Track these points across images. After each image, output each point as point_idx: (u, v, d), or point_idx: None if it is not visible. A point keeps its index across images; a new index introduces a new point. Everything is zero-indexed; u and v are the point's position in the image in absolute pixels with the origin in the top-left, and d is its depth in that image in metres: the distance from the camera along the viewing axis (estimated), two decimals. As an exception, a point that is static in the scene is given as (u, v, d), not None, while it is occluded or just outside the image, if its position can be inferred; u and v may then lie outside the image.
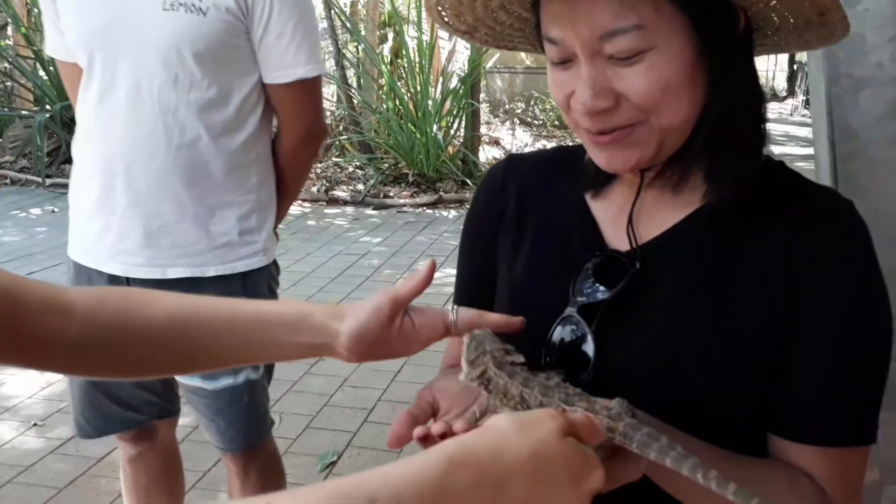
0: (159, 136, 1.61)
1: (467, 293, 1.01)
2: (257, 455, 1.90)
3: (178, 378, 1.80)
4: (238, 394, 1.77)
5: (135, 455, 1.99)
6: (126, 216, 1.66)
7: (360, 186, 8.21)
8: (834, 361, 0.77)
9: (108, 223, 1.67)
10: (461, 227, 1.03)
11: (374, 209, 7.66)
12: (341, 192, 8.07)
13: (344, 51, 9.85)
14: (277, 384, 3.58)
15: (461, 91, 8.55)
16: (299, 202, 7.85)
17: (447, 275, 1.36)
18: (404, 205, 7.77)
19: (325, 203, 7.88)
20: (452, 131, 8.85)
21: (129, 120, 1.61)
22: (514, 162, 1.00)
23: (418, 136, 8.28)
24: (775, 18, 0.77)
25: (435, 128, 8.41)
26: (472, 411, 0.73)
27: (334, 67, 9.51)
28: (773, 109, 16.37)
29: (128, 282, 1.71)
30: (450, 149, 8.69)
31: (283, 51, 1.65)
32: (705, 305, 0.80)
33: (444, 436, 0.68)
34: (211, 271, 1.70)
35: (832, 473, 0.78)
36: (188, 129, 1.61)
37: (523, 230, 0.93)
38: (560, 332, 0.83)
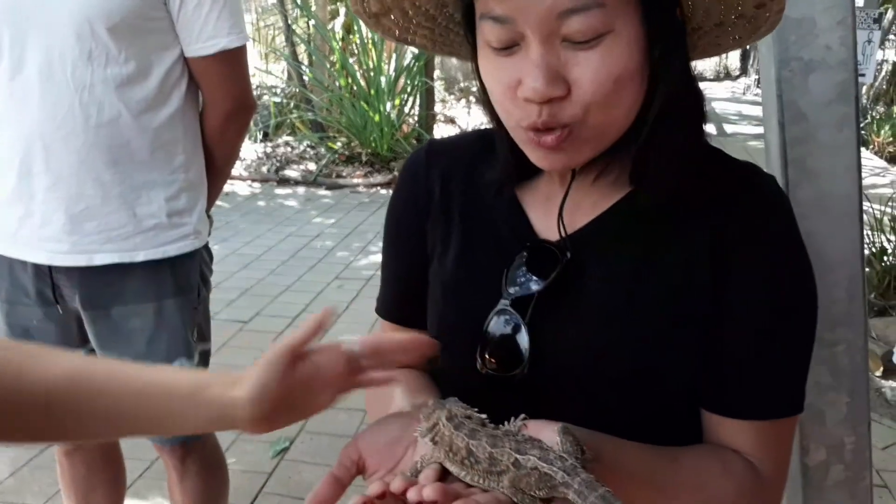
0: (76, 115, 1.52)
1: (396, 295, 0.97)
2: (195, 448, 1.84)
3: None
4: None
5: (71, 448, 1.92)
6: (47, 200, 1.57)
7: (312, 166, 8.09)
8: (760, 336, 0.78)
9: (28, 208, 1.59)
10: None
11: (326, 189, 7.56)
12: (292, 172, 7.95)
13: (294, 26, 9.67)
14: (227, 369, 3.51)
15: (415, 68, 8.46)
16: (249, 182, 7.72)
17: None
18: (358, 185, 7.69)
19: (275, 183, 7.75)
20: (407, 109, 8.76)
21: (43, 99, 1.52)
22: (435, 148, 0.94)
23: (371, 114, 8.18)
24: (712, 12, 0.73)
25: (388, 106, 8.31)
26: (414, 462, 0.69)
27: (284, 44, 9.34)
28: (726, 88, 16.64)
29: (51, 271, 1.63)
30: (404, 127, 8.61)
31: (202, 21, 1.57)
32: (635, 290, 0.78)
33: (381, 496, 0.64)
34: (140, 256, 1.62)
35: (762, 446, 0.79)
36: (106, 107, 1.53)
37: (450, 220, 0.89)
38: (495, 325, 0.80)
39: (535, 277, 0.80)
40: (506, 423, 0.69)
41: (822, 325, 0.91)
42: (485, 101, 0.79)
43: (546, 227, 0.84)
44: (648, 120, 0.74)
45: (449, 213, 0.89)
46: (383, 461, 0.72)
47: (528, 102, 0.70)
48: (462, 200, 0.89)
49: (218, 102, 1.69)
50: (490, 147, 0.87)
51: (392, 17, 0.81)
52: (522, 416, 0.70)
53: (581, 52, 0.67)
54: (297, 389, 0.71)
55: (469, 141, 0.93)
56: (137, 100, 1.56)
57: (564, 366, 0.79)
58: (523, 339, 0.78)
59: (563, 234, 0.81)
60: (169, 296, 1.67)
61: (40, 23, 1.49)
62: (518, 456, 0.63)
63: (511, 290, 0.80)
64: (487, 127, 0.86)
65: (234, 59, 1.64)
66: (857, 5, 3.12)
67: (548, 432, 0.66)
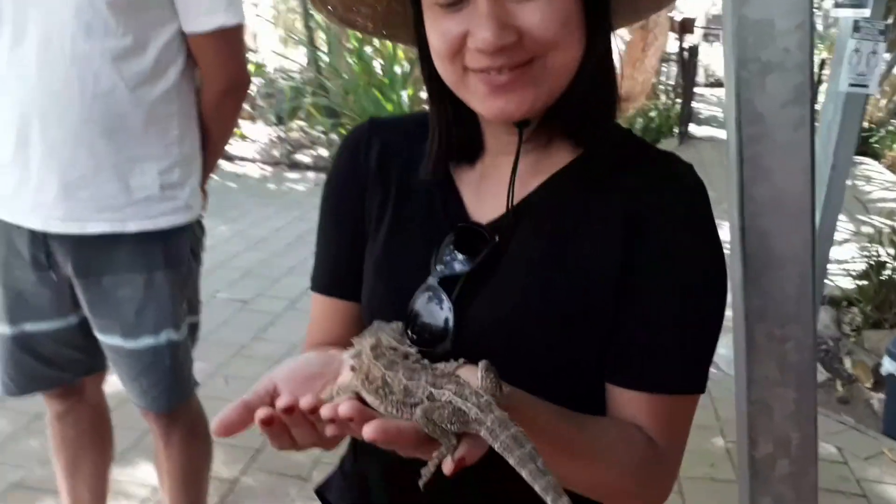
0: (73, 86, 1.56)
1: (333, 266, 0.97)
2: (181, 415, 1.89)
3: (98, 335, 1.78)
4: (160, 354, 1.75)
5: (62, 411, 1.97)
6: (42, 167, 1.62)
7: (325, 152, 8.13)
8: (665, 314, 0.81)
9: (24, 175, 1.63)
10: None
11: (336, 175, 7.59)
12: (304, 157, 7.99)
13: (313, 12, 9.69)
14: (225, 347, 3.57)
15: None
16: (259, 165, 7.76)
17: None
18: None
19: (287, 167, 7.79)
20: (421, 97, 8.78)
21: (41, 70, 1.56)
22: (377, 125, 0.97)
23: (384, 102, 8.19)
24: None
25: (403, 94, 8.33)
26: (330, 388, 0.69)
27: (304, 29, 9.35)
28: (716, 94, 16.54)
29: (45, 238, 1.68)
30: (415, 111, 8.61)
31: None
32: (552, 269, 0.82)
33: (289, 410, 0.63)
34: (131, 226, 1.66)
35: (660, 420, 0.82)
36: (103, 79, 1.57)
37: (386, 196, 0.91)
38: (421, 302, 0.84)
39: (461, 257, 0.83)
40: (445, 364, 0.68)
41: (773, 321, 0.94)
42: (427, 73, 0.82)
43: (478, 207, 0.87)
44: (587, 70, 0.78)
45: (386, 189, 0.91)
46: (299, 393, 0.68)
47: (479, 53, 0.73)
48: (399, 178, 0.91)
49: (214, 79, 1.73)
50: (427, 128, 0.89)
51: None
52: (462, 359, 0.69)
53: (523, 2, 0.72)
54: None
55: (411, 121, 0.95)
56: (134, 73, 1.60)
57: (483, 342, 0.81)
58: (445, 316, 0.82)
59: (510, 206, 0.84)
60: (159, 267, 1.71)
61: None
62: (433, 389, 0.63)
63: (439, 269, 0.84)
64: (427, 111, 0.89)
65: (230, 37, 1.68)
66: (864, 16, 3.12)
67: (476, 373, 0.66)
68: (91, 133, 1.60)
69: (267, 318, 4.03)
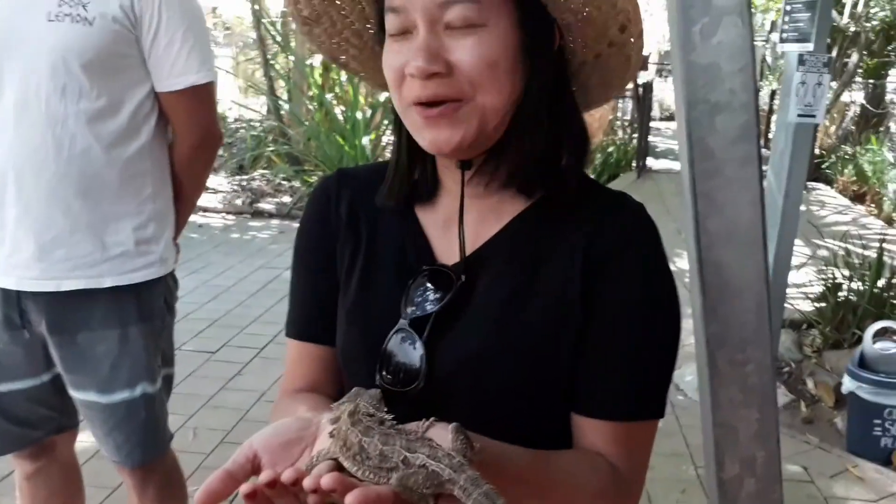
0: (49, 147, 1.59)
1: (307, 313, 1.00)
2: (155, 469, 1.87)
3: (71, 392, 1.77)
4: (135, 408, 1.75)
5: (32, 472, 1.94)
6: (18, 228, 1.63)
7: (287, 199, 8.15)
8: (623, 345, 0.86)
9: None
10: None
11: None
12: (267, 205, 7.99)
13: (273, 62, 9.78)
14: (192, 399, 3.54)
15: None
16: (223, 215, 7.74)
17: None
18: (331, 217, 7.74)
19: (249, 216, 7.78)
20: (383, 143, 8.86)
21: (17, 130, 1.58)
22: (344, 176, 1.01)
23: (347, 148, 8.26)
24: (582, 41, 0.85)
25: (365, 140, 8.40)
26: (311, 457, 0.71)
27: (264, 79, 9.42)
28: (671, 127, 16.97)
29: (19, 296, 1.68)
30: (379, 161, 8.68)
31: (173, 59, 1.65)
32: (517, 306, 0.86)
33: (271, 484, 0.64)
34: (107, 282, 1.67)
35: (621, 446, 0.86)
36: (78, 140, 1.60)
37: (357, 243, 0.95)
38: (393, 344, 0.87)
39: (431, 297, 0.87)
40: (416, 424, 0.71)
41: (733, 346, 0.99)
42: (393, 112, 0.89)
43: (445, 249, 0.92)
44: (522, 117, 0.84)
45: (357, 237, 0.96)
46: (279, 460, 0.71)
47: (413, 79, 0.81)
48: (368, 225, 0.96)
49: (186, 135, 1.76)
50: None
51: (323, 28, 0.91)
52: (433, 418, 0.73)
53: (460, 38, 0.79)
54: None
55: (376, 170, 0.99)
56: (108, 133, 1.63)
57: (454, 379, 0.85)
58: (419, 356, 0.85)
59: (462, 256, 0.90)
60: (133, 322, 1.72)
61: (18, 59, 1.56)
62: (407, 454, 0.65)
63: (409, 311, 0.88)
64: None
65: (202, 94, 1.72)
66: (807, 49, 3.26)
67: (447, 433, 0.70)
68: (66, 193, 1.62)
69: (234, 368, 4.00)
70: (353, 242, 0.96)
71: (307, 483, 0.62)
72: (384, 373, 0.87)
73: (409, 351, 0.86)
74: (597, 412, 0.86)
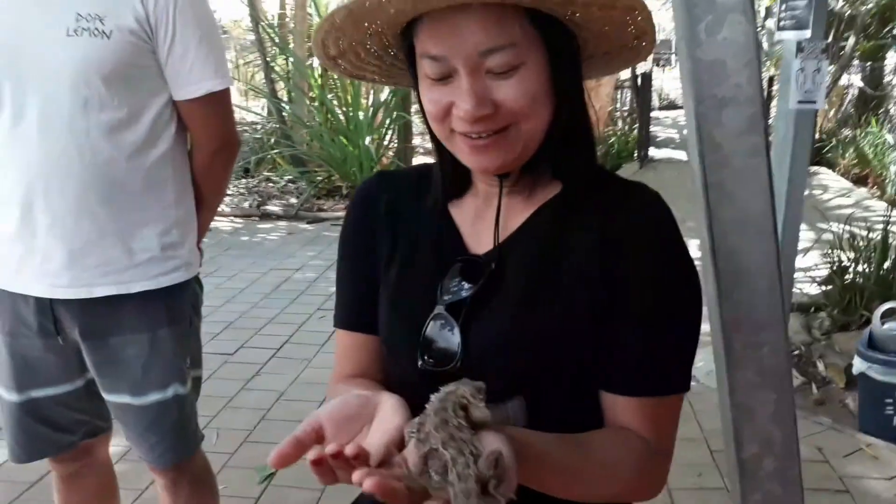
0: (73, 159, 1.63)
1: (352, 305, 1.09)
2: (187, 469, 1.93)
3: (105, 395, 1.83)
4: (167, 408, 1.81)
5: (68, 475, 2.00)
6: (48, 238, 1.68)
7: (293, 200, 8.20)
8: (647, 324, 0.92)
9: (30, 246, 1.69)
10: None
11: (307, 223, 7.65)
12: (274, 207, 8.05)
13: (273, 64, 9.81)
14: (213, 400, 3.59)
15: (392, 103, 8.61)
16: (231, 218, 7.79)
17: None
18: (338, 217, 7.78)
19: (257, 218, 7.84)
20: (385, 143, 8.91)
21: (41, 145, 1.63)
22: (384, 178, 1.11)
23: (350, 148, 8.31)
24: (601, 42, 0.92)
25: (368, 140, 8.45)
26: (384, 444, 0.74)
27: (264, 81, 9.45)
28: (670, 116, 16.99)
29: (52, 304, 1.73)
30: (384, 160, 8.75)
31: (189, 68, 1.69)
32: (542, 289, 0.93)
33: (336, 455, 0.69)
34: (136, 287, 1.73)
35: (650, 421, 0.93)
36: (101, 150, 1.65)
37: (396, 239, 1.04)
38: (431, 329, 0.95)
39: (466, 285, 0.95)
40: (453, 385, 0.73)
41: (747, 330, 1.04)
42: (426, 121, 0.95)
43: (476, 240, 1.00)
44: (560, 125, 0.91)
45: (395, 232, 1.04)
46: (340, 434, 0.77)
47: (462, 121, 0.87)
48: (406, 222, 1.04)
49: (205, 141, 1.81)
50: (427, 178, 1.04)
51: (348, 59, 0.97)
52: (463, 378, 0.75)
53: (502, 80, 0.86)
54: None
55: (413, 173, 1.10)
56: (129, 142, 1.68)
57: (488, 359, 0.93)
58: (455, 338, 0.93)
59: (496, 243, 0.98)
60: (163, 325, 1.78)
61: (39, 75, 1.61)
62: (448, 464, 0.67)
63: (445, 298, 0.95)
64: (428, 163, 1.05)
65: (219, 101, 1.77)
66: (805, 37, 3.29)
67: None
68: (92, 202, 1.67)
69: (252, 369, 4.06)
70: (391, 237, 1.04)
71: (367, 485, 0.66)
72: (426, 357, 0.94)
73: (447, 336, 0.94)
74: (624, 389, 0.93)
